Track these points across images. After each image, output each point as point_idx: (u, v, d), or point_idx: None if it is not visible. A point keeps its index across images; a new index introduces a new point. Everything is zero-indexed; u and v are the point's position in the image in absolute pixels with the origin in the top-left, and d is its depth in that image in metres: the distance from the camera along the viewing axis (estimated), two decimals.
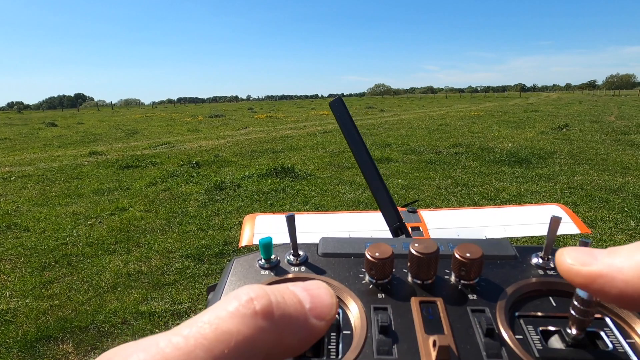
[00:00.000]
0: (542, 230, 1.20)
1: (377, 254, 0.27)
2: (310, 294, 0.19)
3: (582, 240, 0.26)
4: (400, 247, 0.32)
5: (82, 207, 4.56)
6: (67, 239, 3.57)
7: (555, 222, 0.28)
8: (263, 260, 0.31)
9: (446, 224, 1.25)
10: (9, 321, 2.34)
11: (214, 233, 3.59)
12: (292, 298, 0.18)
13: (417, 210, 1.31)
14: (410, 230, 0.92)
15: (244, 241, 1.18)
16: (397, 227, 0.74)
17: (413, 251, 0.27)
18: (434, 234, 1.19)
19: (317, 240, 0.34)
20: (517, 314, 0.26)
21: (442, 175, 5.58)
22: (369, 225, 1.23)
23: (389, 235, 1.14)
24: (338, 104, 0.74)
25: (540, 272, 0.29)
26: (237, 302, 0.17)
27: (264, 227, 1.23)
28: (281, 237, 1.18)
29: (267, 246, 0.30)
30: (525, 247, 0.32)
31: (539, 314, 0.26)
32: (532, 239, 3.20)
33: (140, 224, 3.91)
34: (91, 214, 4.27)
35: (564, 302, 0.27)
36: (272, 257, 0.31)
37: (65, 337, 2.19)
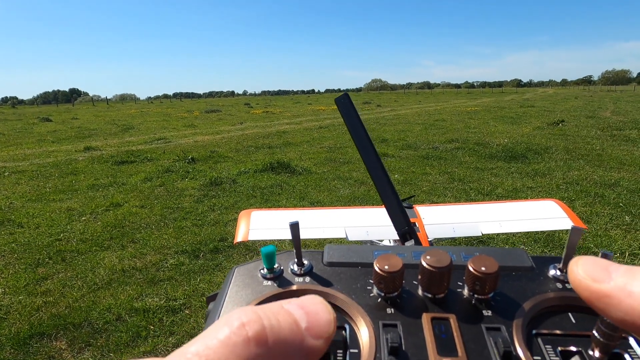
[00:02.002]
0: (538, 226, 1.20)
1: (386, 267, 0.26)
2: (307, 311, 0.18)
3: (603, 253, 0.25)
4: (410, 256, 0.31)
5: (76, 203, 4.52)
6: (61, 235, 3.54)
7: (575, 232, 0.27)
8: (265, 270, 0.30)
9: (442, 219, 1.24)
10: (2, 318, 2.32)
11: (209, 229, 3.58)
12: (287, 319, 0.17)
13: (413, 205, 1.30)
14: None
15: (239, 237, 1.17)
16: (406, 231, 0.71)
17: (425, 264, 0.26)
18: (429, 229, 1.18)
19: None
20: (534, 331, 0.25)
21: (438, 171, 5.58)
22: (367, 221, 1.22)
23: (388, 232, 1.13)
24: (344, 100, 0.70)
25: (559, 285, 0.28)
26: (228, 329, 0.16)
27: (259, 223, 1.22)
28: (276, 233, 1.17)
29: (269, 255, 0.29)
30: (542, 257, 0.31)
31: (558, 332, 0.25)
32: (527, 234, 3.21)
33: (135, 219, 3.88)
34: (86, 209, 4.24)
35: (584, 319, 0.26)
36: (275, 266, 0.30)
37: (58, 333, 2.18)
